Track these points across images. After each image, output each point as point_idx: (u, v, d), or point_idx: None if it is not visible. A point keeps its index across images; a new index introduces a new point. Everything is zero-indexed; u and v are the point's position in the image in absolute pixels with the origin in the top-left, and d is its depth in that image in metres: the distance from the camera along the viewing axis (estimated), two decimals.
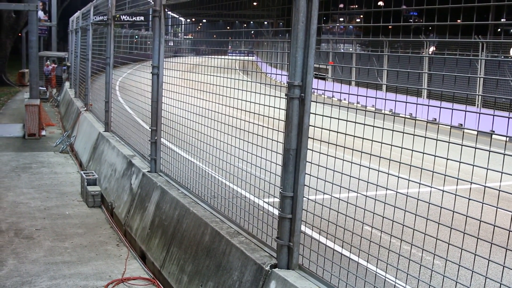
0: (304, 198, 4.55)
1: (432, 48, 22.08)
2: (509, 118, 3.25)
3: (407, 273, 3.84)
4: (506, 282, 3.31)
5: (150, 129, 8.06)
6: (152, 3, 8.15)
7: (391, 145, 3.87)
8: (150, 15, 8.03)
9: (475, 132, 3.25)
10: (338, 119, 4.35)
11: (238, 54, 12.30)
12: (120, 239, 7.96)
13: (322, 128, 4.46)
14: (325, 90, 4.54)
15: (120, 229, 8.21)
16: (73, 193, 10.42)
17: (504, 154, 3.26)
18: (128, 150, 9.65)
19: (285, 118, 4.54)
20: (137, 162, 8.64)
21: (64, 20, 48.18)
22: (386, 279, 4.04)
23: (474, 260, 3.36)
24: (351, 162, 4.22)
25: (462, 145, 3.41)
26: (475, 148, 3.34)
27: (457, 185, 3.54)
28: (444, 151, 3.62)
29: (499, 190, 3.23)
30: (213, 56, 7.59)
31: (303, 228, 4.62)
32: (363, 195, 4.15)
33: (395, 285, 3.98)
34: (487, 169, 3.21)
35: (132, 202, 8.03)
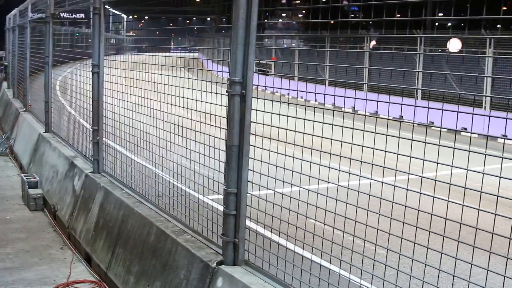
0: (248, 194, 4.57)
1: (373, 42, 22.50)
2: (442, 110, 3.35)
3: (350, 264, 3.91)
4: (444, 269, 3.42)
5: (91, 129, 7.92)
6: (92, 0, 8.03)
7: (331, 139, 3.93)
8: (91, 12, 7.89)
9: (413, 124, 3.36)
10: (279, 114, 4.39)
11: (181, 51, 12.23)
12: (64, 242, 7.80)
13: (263, 124, 4.49)
14: (265, 87, 4.57)
15: (63, 232, 8.05)
16: (14, 197, 10.14)
17: (439, 145, 3.36)
18: (70, 151, 9.46)
19: (227, 115, 4.55)
20: (80, 163, 8.48)
21: (0, 17, 46.83)
22: (330, 270, 4.11)
23: (414, 248, 3.46)
24: (293, 157, 4.27)
25: (399, 137, 3.50)
26: (412, 140, 3.43)
27: (395, 176, 3.63)
28: (382, 143, 3.71)
29: (435, 180, 3.33)
30: (155, 54, 7.53)
31: (248, 223, 4.64)
32: (305, 189, 4.20)
33: (339, 276, 4.05)
34: (424, 160, 3.31)
35: (75, 204, 7.89)
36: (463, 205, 3.17)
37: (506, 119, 3.10)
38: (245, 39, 4.43)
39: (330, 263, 4.16)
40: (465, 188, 3.20)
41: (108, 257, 6.37)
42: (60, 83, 12.93)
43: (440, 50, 23.62)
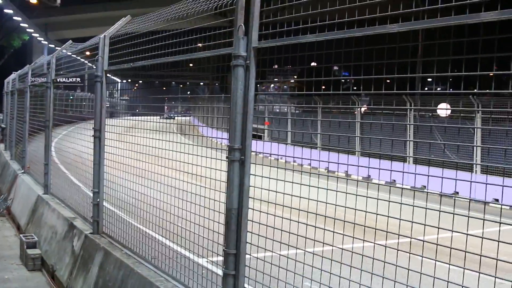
0: (247, 255, 4.79)
1: (364, 108, 23.13)
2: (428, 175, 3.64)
3: None
4: None
5: (92, 192, 8.15)
6: (93, 68, 8.40)
7: (326, 203, 4.20)
8: (93, 80, 8.22)
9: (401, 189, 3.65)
10: (277, 179, 4.67)
11: (176, 115, 12.58)
12: None
13: (262, 188, 4.76)
14: (263, 153, 4.86)
15: None
16: (12, 257, 10.23)
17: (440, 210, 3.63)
18: (69, 212, 9.64)
19: (227, 179, 4.82)
20: (79, 224, 8.65)
21: None
22: None
23: None
24: (290, 220, 4.52)
25: (389, 201, 3.77)
26: (401, 204, 3.71)
27: (386, 239, 3.88)
28: (374, 206, 3.99)
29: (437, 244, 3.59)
30: (148, 120, 7.85)
31: (246, 285, 4.84)
32: (304, 251, 4.43)
33: None
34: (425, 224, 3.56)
35: (74, 264, 8.02)
36: (449, 266, 3.42)
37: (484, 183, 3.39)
38: (243, 109, 4.76)
39: None
40: (451, 248, 3.45)
41: None
42: (56, 145, 13.17)
43: (429, 114, 24.22)
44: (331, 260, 4.20)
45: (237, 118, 4.76)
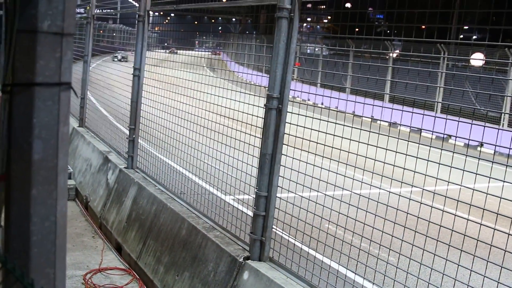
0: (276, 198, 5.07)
1: (396, 52, 22.92)
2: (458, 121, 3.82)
3: (365, 265, 4.38)
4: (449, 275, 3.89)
5: (128, 128, 8.44)
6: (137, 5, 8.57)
7: (357, 154, 4.41)
8: (135, 19, 8.39)
9: (433, 136, 3.83)
10: (311, 129, 4.88)
11: (205, 51, 12.68)
12: (96, 231, 8.33)
13: (296, 136, 4.99)
14: (296, 91, 5.06)
15: (95, 222, 8.57)
16: None
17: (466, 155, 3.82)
18: (104, 146, 9.99)
19: (263, 126, 5.05)
20: (113, 158, 9.00)
21: None
22: (339, 268, 4.59)
23: (422, 255, 3.93)
24: (321, 167, 4.75)
25: (419, 144, 3.97)
26: (429, 147, 3.90)
27: (400, 187, 4.11)
28: (403, 155, 4.19)
29: (445, 196, 3.80)
30: (187, 53, 8.01)
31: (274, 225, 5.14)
32: (330, 197, 4.68)
33: (345, 276, 4.52)
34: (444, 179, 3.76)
35: (108, 196, 8.41)
36: (467, 219, 3.64)
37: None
38: (284, 59, 4.93)
39: (344, 265, 4.65)
40: (470, 204, 3.66)
41: (139, 247, 6.89)
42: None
43: (462, 63, 23.98)
44: (357, 207, 4.43)
45: (277, 69, 4.94)
